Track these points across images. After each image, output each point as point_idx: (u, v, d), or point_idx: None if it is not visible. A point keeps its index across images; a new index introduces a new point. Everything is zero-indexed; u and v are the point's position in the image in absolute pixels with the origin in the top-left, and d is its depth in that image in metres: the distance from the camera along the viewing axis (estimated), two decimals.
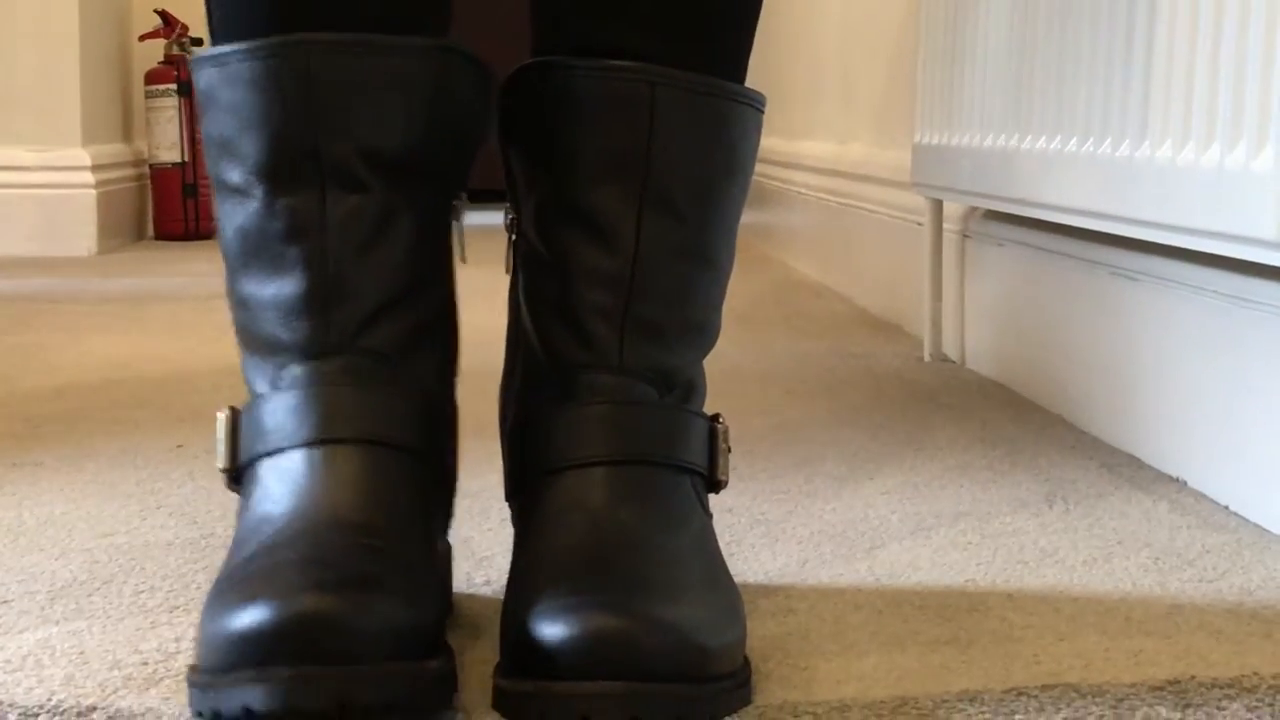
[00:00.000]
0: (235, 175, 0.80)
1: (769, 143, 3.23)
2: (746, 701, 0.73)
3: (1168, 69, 1.14)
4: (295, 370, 0.79)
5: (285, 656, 0.64)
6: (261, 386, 0.81)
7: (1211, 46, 1.06)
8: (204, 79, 0.81)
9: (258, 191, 0.79)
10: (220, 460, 0.80)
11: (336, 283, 0.79)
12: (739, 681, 0.72)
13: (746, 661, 0.75)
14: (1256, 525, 1.08)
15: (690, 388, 0.86)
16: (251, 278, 0.81)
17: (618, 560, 0.74)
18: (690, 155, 0.82)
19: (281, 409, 0.78)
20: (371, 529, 0.74)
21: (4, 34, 3.07)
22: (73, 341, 1.91)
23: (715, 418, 0.85)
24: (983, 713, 0.73)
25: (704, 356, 0.88)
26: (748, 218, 3.40)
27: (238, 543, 0.76)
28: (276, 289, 0.80)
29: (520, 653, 0.69)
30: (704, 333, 0.87)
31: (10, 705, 0.73)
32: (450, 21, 0.86)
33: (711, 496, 0.86)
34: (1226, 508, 1.12)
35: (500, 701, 0.70)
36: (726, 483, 0.85)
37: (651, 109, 0.81)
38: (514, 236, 0.87)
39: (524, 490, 0.82)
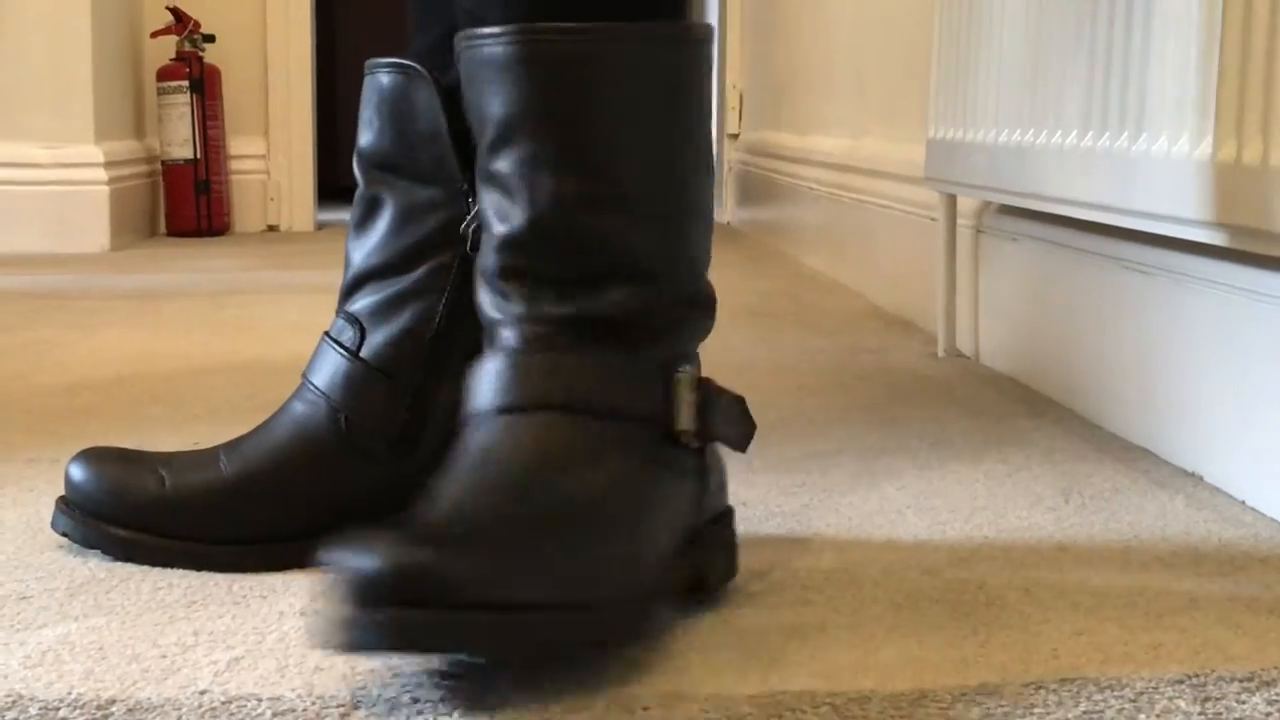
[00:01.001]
0: None
1: (780, 138, 3.22)
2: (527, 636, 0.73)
3: (1181, 63, 1.13)
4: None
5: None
6: None
7: (1225, 41, 1.06)
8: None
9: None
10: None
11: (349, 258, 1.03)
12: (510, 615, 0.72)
13: (559, 609, 0.74)
14: (1273, 519, 1.07)
15: (641, 336, 0.85)
16: None
17: (451, 502, 0.77)
18: (581, 108, 0.83)
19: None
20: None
21: (16, 31, 3.08)
22: (86, 338, 1.91)
23: (680, 368, 0.85)
24: (1001, 706, 0.73)
25: (659, 303, 0.86)
26: (759, 214, 3.40)
27: None
28: None
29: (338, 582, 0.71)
30: (639, 280, 0.85)
31: (31, 699, 0.73)
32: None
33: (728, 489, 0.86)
34: (1243, 502, 1.12)
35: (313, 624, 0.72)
36: (698, 432, 0.85)
37: (519, 70, 0.82)
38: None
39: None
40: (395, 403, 0.96)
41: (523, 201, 0.83)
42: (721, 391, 0.87)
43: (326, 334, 0.99)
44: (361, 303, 0.99)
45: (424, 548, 0.70)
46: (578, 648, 0.76)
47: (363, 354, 0.97)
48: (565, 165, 0.83)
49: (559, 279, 0.84)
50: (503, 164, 0.84)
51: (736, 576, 0.92)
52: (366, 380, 0.96)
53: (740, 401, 0.87)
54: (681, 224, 0.87)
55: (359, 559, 0.69)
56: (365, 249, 0.99)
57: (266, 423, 0.99)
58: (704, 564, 0.88)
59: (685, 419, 0.84)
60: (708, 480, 0.88)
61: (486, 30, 0.83)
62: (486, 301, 0.86)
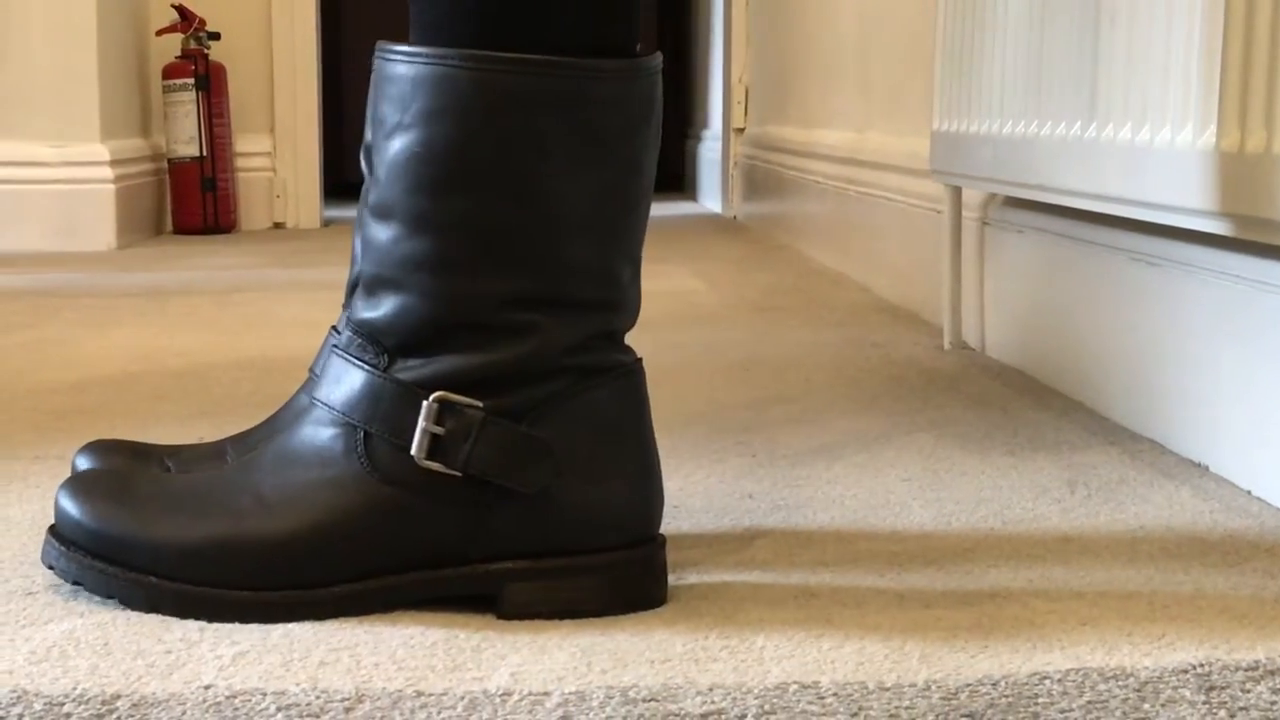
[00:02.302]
0: None
1: (785, 132, 3.22)
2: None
3: (1186, 53, 1.13)
4: None
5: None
6: None
7: (1231, 30, 1.06)
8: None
9: None
10: None
11: None
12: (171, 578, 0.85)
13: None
14: (1279, 510, 1.07)
15: (405, 351, 0.87)
16: None
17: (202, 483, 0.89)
18: (369, 117, 0.88)
19: None
20: None
21: (22, 30, 3.08)
22: (93, 335, 1.91)
23: (435, 395, 0.85)
24: (1005, 696, 0.73)
25: (413, 322, 0.86)
26: (765, 208, 3.40)
27: None
28: None
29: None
30: (402, 291, 0.86)
31: (36, 695, 0.73)
32: None
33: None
34: (1249, 492, 1.12)
35: None
36: (443, 460, 0.85)
37: (425, 86, 0.85)
38: None
39: None
40: None
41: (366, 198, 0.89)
42: (506, 428, 0.85)
43: (334, 329, 0.99)
44: None
45: (94, 499, 0.86)
46: (190, 615, 0.84)
47: None
48: (371, 176, 0.88)
49: (357, 282, 0.89)
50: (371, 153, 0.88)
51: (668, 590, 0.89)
52: None
53: (537, 443, 0.85)
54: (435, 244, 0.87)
55: (64, 494, 0.87)
56: None
57: (274, 416, 0.99)
58: (503, 588, 0.85)
59: (419, 446, 0.85)
60: (492, 510, 0.85)
61: (399, 49, 0.86)
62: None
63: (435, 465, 0.85)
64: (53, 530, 0.88)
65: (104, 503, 0.86)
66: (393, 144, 0.85)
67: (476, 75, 0.83)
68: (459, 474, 0.85)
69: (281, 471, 0.87)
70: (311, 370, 0.99)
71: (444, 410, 0.85)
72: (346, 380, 0.87)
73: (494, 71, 0.83)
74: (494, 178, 0.85)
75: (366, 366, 0.87)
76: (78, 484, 0.88)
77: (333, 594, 0.85)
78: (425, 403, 0.85)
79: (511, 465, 0.85)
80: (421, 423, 0.85)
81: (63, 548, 0.87)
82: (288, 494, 0.86)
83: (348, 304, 0.99)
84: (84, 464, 0.97)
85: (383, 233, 0.87)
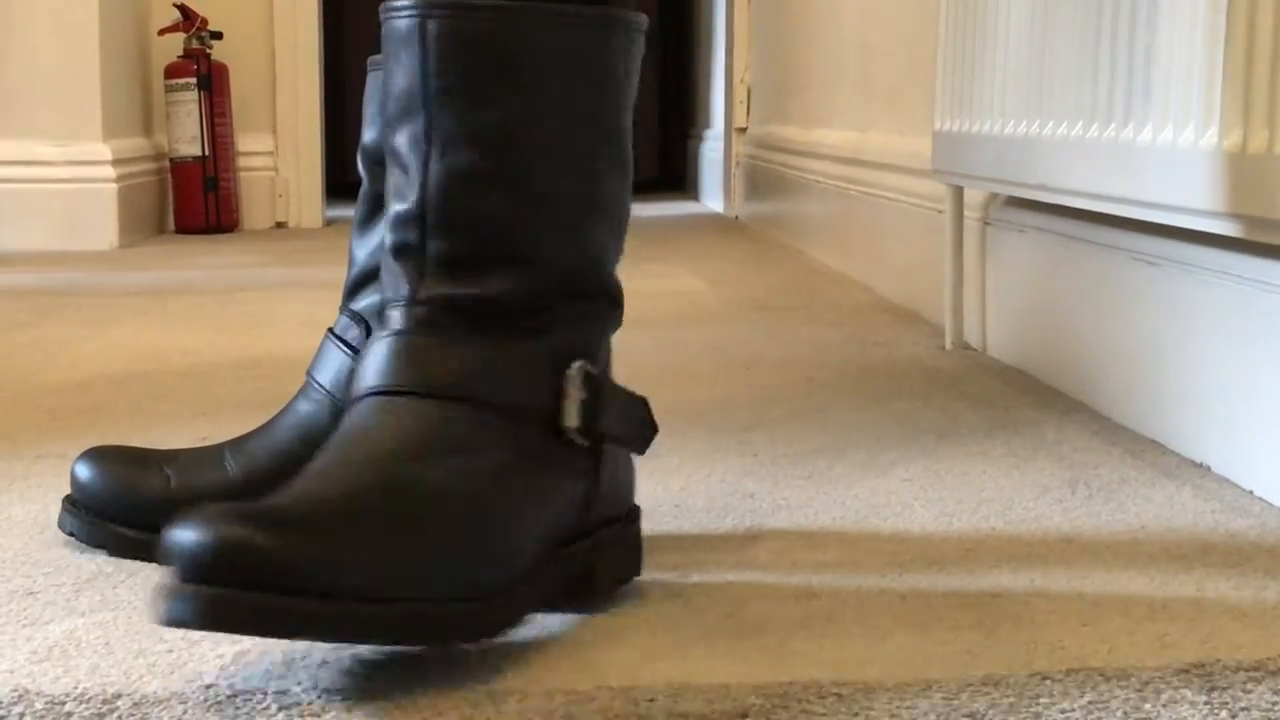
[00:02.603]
0: None
1: (787, 132, 3.22)
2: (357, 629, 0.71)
3: (1188, 53, 1.13)
4: None
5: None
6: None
7: (1231, 30, 1.06)
8: None
9: None
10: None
11: None
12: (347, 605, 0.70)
13: (403, 601, 0.72)
14: None
15: (529, 325, 0.82)
16: None
17: (305, 483, 0.76)
18: (479, 88, 0.81)
19: None
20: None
21: (25, 29, 3.08)
22: (95, 334, 1.91)
23: (574, 363, 0.82)
24: (1007, 697, 0.73)
25: (550, 293, 0.83)
26: (766, 208, 3.40)
27: None
28: None
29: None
30: (529, 267, 0.83)
31: (37, 694, 0.73)
32: None
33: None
34: (1251, 492, 1.12)
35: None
36: (585, 430, 0.82)
37: (424, 44, 0.81)
38: None
39: None
40: None
41: (416, 178, 0.82)
42: (619, 391, 0.85)
43: (330, 331, 0.99)
44: (366, 301, 0.98)
45: (252, 526, 0.69)
46: (407, 642, 0.74)
47: None
48: (458, 142, 0.81)
49: (447, 259, 0.82)
50: (400, 139, 0.82)
51: (641, 573, 0.90)
52: None
53: (642, 404, 0.86)
54: (583, 215, 0.84)
55: (189, 532, 0.69)
56: (369, 246, 0.99)
57: (271, 422, 0.99)
58: (595, 564, 0.85)
59: (571, 415, 0.82)
60: (600, 480, 0.85)
61: (399, 2, 0.82)
62: (383, 281, 0.84)
63: (578, 436, 0.82)
64: (196, 573, 0.69)
65: (269, 533, 0.70)
66: (488, 113, 0.81)
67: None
68: (588, 443, 0.83)
69: (431, 464, 0.78)
70: (310, 373, 0.99)
71: (585, 378, 0.83)
72: (444, 359, 0.80)
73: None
74: (603, 137, 0.85)
75: (476, 341, 0.81)
76: (210, 517, 0.70)
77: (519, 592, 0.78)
78: (569, 372, 0.82)
79: (634, 430, 0.85)
80: (572, 391, 0.82)
81: (229, 590, 0.69)
82: (461, 488, 0.78)
83: (346, 305, 0.98)
84: (83, 472, 0.97)
85: (486, 206, 0.82)
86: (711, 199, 4.27)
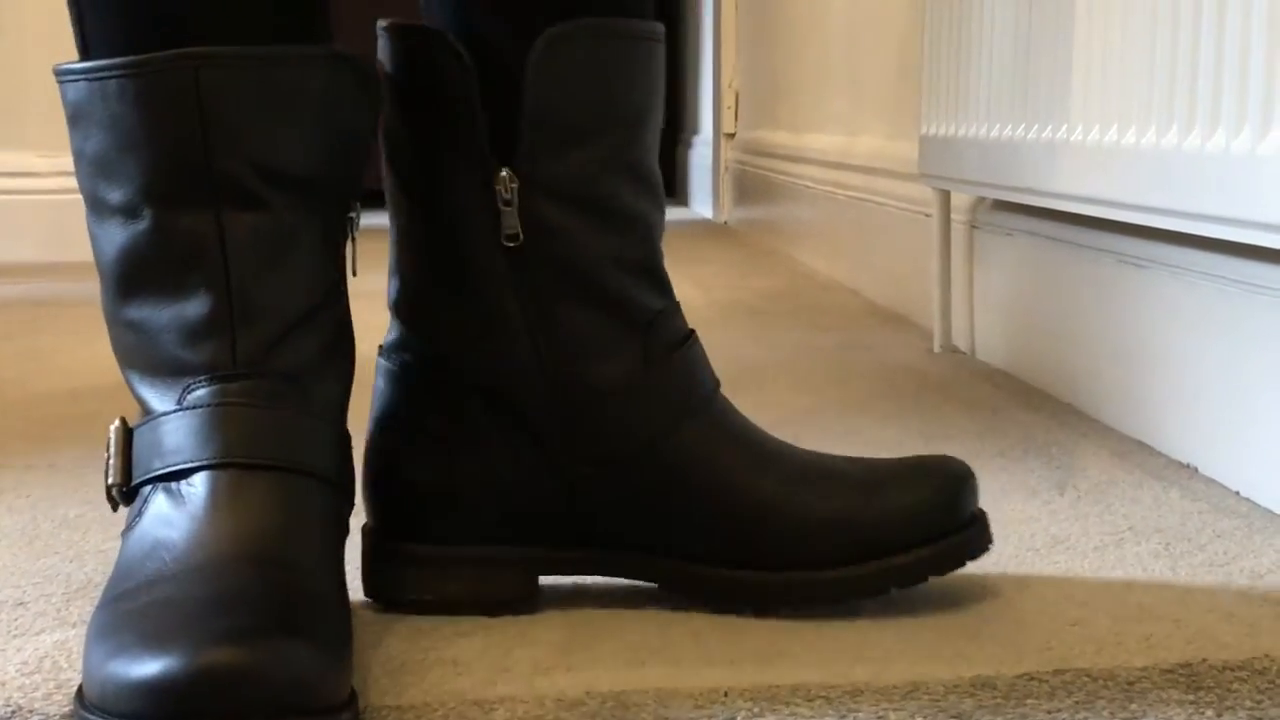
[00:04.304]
0: (116, 195, 0.77)
1: (776, 137, 3.23)
2: None
3: (1171, 54, 1.14)
4: (201, 391, 0.76)
5: (195, 713, 0.61)
6: (162, 404, 0.77)
7: (1216, 30, 1.07)
8: (74, 92, 0.77)
9: (146, 213, 0.77)
10: (110, 475, 0.77)
11: (242, 303, 0.76)
12: None
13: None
14: (1267, 510, 1.08)
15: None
16: (144, 301, 0.78)
17: None
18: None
19: (185, 427, 0.75)
20: (284, 563, 0.71)
21: (14, 41, 3.08)
22: (85, 345, 1.91)
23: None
24: (994, 698, 0.73)
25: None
26: (755, 213, 3.40)
27: (128, 566, 0.72)
28: (176, 311, 0.77)
29: None
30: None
31: (30, 711, 0.73)
32: (332, 28, 0.84)
33: None
34: (1237, 493, 1.12)
35: None
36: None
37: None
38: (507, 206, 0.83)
39: None
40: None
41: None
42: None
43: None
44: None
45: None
46: None
47: None
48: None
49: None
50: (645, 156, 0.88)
51: None
52: None
53: None
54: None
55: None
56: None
57: None
58: None
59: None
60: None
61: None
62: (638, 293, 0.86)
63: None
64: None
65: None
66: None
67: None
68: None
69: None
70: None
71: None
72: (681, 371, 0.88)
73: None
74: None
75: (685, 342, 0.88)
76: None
77: None
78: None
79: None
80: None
81: None
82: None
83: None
84: None
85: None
86: (700, 204, 4.27)
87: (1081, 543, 1.00)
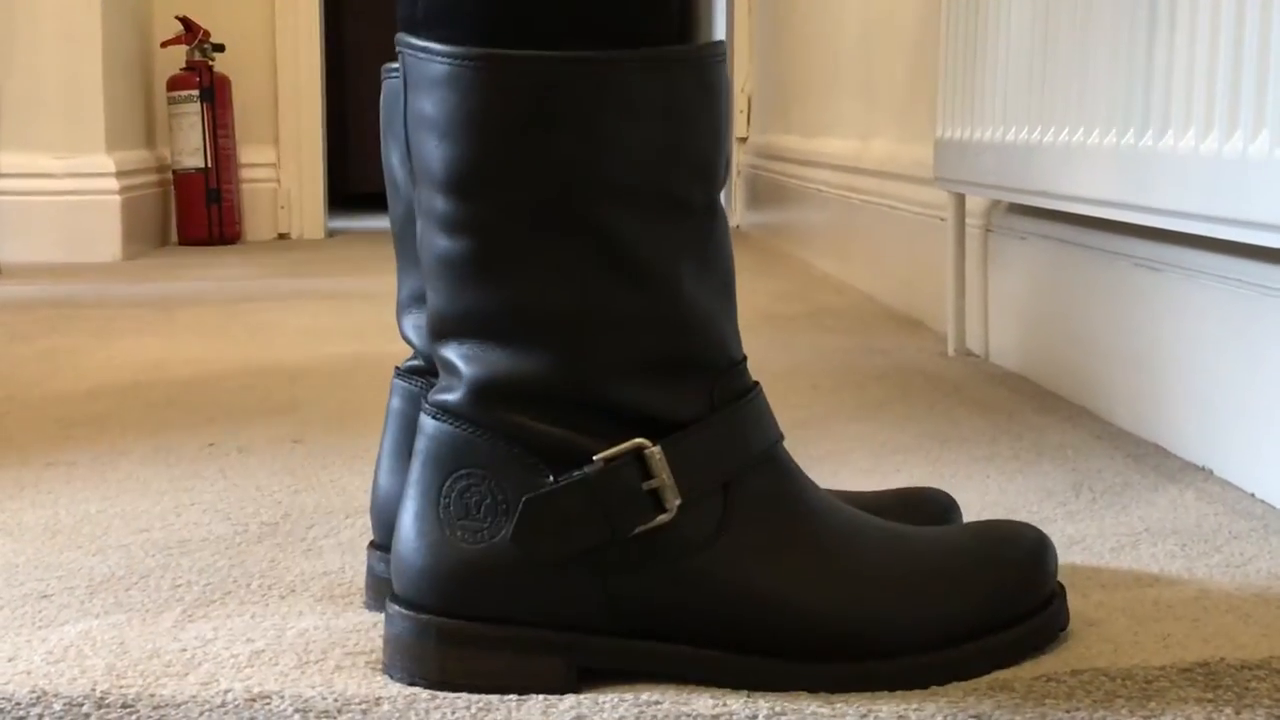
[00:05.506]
0: (697, 190, 0.76)
1: (788, 141, 3.23)
2: None
3: (1189, 58, 1.14)
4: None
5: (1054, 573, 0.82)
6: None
7: (1232, 35, 1.07)
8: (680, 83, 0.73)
9: (709, 204, 0.78)
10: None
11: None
12: None
13: None
14: None
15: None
16: (707, 295, 0.83)
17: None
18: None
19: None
20: None
21: (28, 42, 3.09)
22: (102, 345, 1.92)
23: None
24: (1013, 699, 0.74)
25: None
26: (769, 217, 3.40)
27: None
28: (723, 304, 0.84)
29: None
30: None
31: (55, 695, 0.74)
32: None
33: None
34: (1253, 495, 1.13)
35: None
36: None
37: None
38: None
39: None
40: None
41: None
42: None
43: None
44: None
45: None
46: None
47: None
48: None
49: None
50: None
51: None
52: None
53: None
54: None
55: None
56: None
57: None
58: None
59: None
60: None
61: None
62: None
63: None
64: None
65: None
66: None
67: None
68: None
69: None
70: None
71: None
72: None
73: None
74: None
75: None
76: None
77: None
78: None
79: None
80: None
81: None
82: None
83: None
84: None
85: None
86: None
87: (1098, 544, 1.01)
